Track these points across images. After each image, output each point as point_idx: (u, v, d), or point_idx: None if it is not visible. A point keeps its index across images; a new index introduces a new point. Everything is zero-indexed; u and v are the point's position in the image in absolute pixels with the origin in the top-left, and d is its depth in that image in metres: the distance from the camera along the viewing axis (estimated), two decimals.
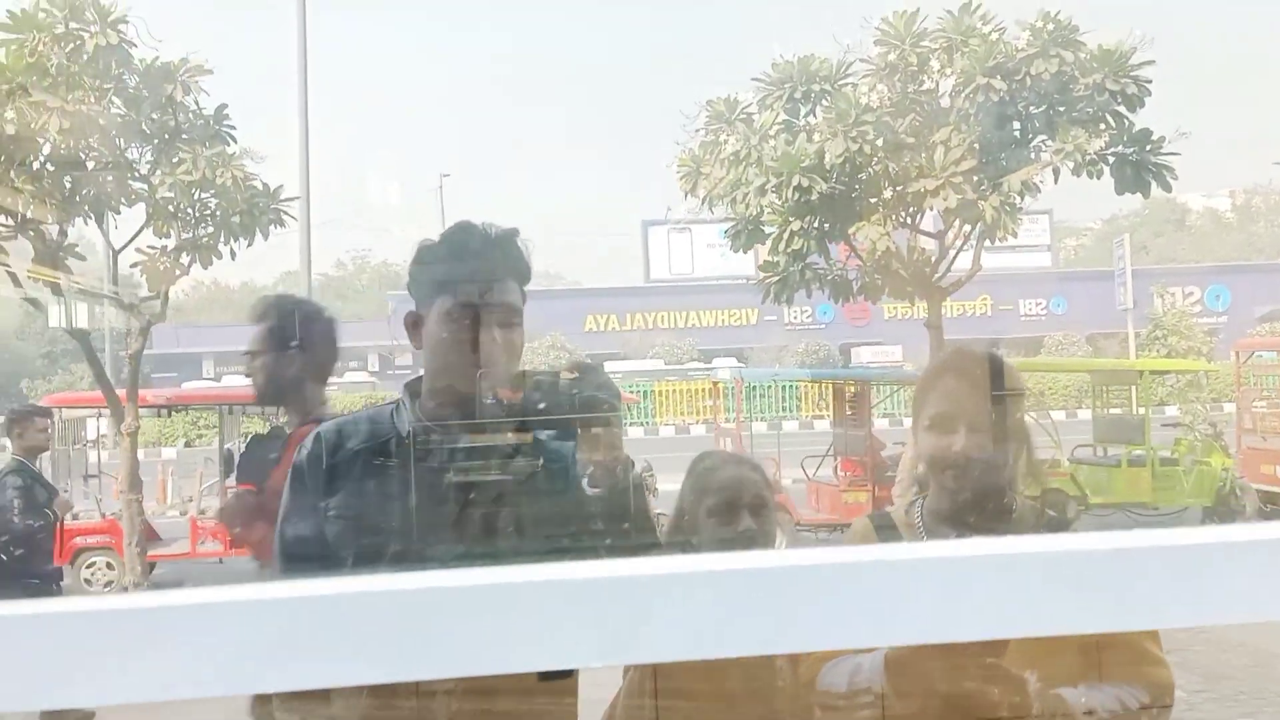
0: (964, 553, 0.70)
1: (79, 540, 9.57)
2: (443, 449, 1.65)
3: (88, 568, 9.57)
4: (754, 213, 8.52)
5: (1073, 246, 44.68)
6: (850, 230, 8.36)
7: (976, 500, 1.70)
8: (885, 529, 1.81)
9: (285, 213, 8.35)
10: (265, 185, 8.12)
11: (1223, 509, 10.16)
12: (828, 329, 29.31)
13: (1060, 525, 1.86)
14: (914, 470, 1.79)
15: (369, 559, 1.59)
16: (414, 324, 1.68)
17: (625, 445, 1.58)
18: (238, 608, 0.63)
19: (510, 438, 1.65)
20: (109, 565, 9.48)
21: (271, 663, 0.63)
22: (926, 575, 0.71)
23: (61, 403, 10.46)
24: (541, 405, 1.52)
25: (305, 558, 1.68)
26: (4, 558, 5.21)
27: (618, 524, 1.54)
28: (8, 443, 5.75)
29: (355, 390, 25.06)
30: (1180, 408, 15.03)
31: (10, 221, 8.01)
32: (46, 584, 5.46)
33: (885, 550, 0.73)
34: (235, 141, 7.91)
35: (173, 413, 12.87)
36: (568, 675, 1.47)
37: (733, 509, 1.79)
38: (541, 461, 1.65)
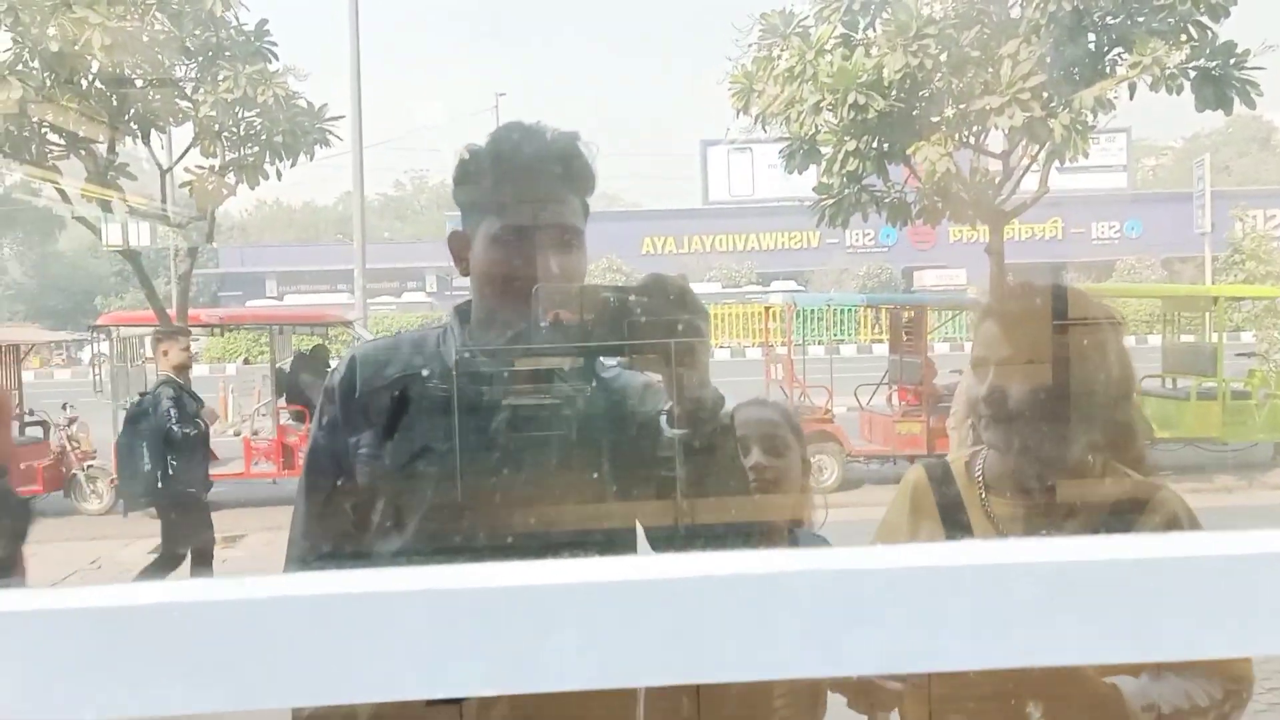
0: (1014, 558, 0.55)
1: None
2: (492, 383, 1.42)
3: None
4: (809, 132, 8.20)
5: (1150, 167, 43.05)
6: (909, 150, 8.00)
7: (1042, 464, 1.48)
8: (942, 483, 1.60)
9: (331, 132, 8.23)
10: (309, 104, 8.00)
11: None
12: (890, 252, 28.73)
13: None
14: (968, 404, 1.58)
15: (401, 519, 1.41)
16: (460, 245, 1.46)
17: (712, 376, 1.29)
18: (236, 609, 0.54)
19: (570, 367, 1.43)
20: None
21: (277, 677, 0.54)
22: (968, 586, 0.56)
23: (116, 321, 10.61)
24: (610, 329, 1.24)
25: (329, 507, 1.49)
26: (169, 465, 5.72)
27: (702, 475, 1.28)
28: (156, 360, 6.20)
29: (412, 310, 25.28)
30: (1256, 335, 14.50)
31: (61, 140, 8.02)
32: (201, 490, 5.89)
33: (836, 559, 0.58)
34: (277, 59, 7.79)
35: (226, 331, 13.02)
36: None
37: (745, 447, 1.70)
38: (609, 396, 1.43)
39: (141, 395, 6.17)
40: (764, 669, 0.55)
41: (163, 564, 5.90)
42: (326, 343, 11.21)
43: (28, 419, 10.68)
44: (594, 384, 1.45)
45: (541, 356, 1.37)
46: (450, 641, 0.54)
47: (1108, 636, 0.54)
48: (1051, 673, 1.24)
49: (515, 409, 1.42)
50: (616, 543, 1.41)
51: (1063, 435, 1.48)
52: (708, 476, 1.28)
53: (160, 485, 5.75)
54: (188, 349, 6.10)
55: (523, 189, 1.40)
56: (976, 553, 0.57)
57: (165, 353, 5.97)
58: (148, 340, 11.04)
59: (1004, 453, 1.51)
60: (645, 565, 0.56)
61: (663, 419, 1.27)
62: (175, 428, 5.67)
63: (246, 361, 20.47)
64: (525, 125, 1.44)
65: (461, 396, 1.41)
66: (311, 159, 8.08)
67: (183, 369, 5.98)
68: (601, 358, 1.41)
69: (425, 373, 1.44)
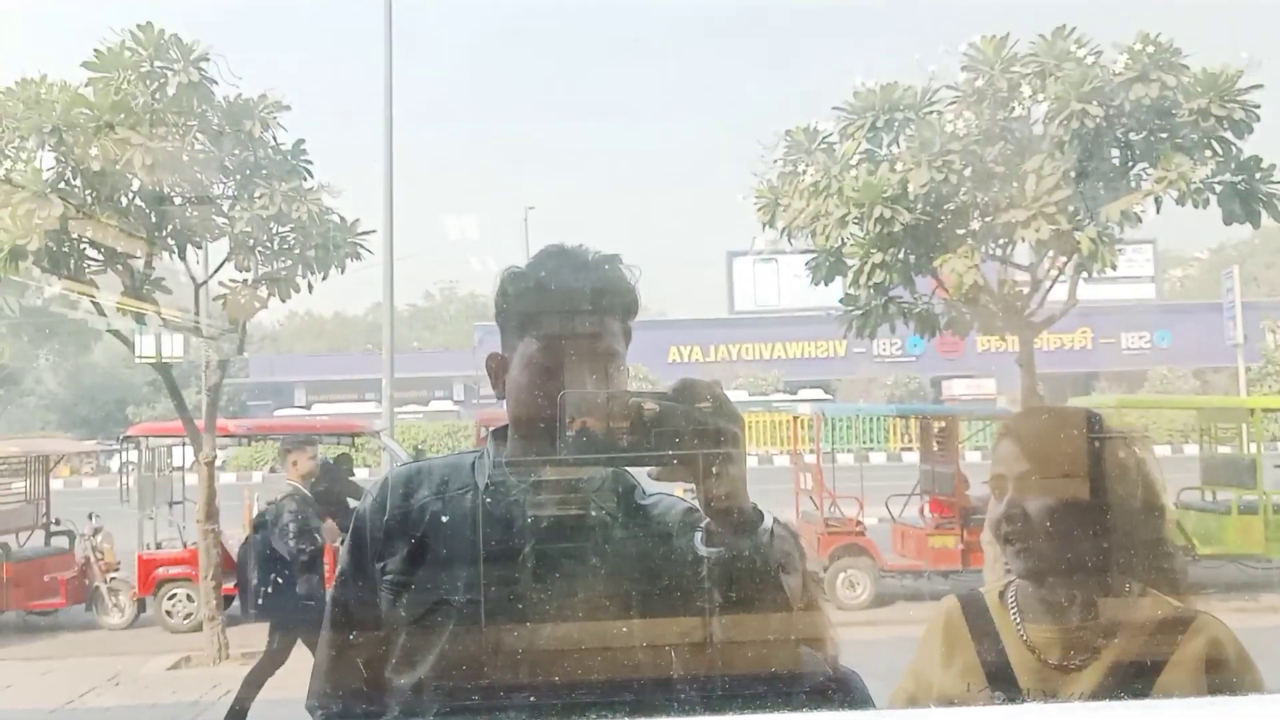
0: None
1: (160, 571, 9.69)
2: (523, 512, 1.35)
3: (169, 599, 9.68)
4: (835, 244, 8.25)
5: (1178, 277, 43.03)
6: (936, 263, 8.02)
7: (1075, 588, 1.48)
8: (977, 615, 1.58)
9: (362, 246, 8.36)
10: (342, 219, 8.15)
11: None
12: (918, 361, 28.66)
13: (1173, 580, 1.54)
14: (989, 523, 1.55)
15: (425, 631, 1.35)
16: (497, 367, 1.41)
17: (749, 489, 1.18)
18: None
19: (605, 487, 1.37)
20: (189, 597, 9.57)
21: None
22: None
23: (146, 432, 10.68)
24: (642, 436, 1.13)
25: (357, 629, 1.44)
26: (280, 579, 5.79)
27: (740, 597, 1.16)
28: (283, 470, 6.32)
29: (438, 419, 25.34)
30: None
31: (99, 255, 8.18)
32: (319, 606, 5.88)
33: None
34: (312, 176, 7.98)
35: (253, 441, 13.07)
36: None
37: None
38: (648, 523, 1.35)
39: (268, 504, 6.30)
40: None
41: (266, 666, 5.95)
42: (352, 451, 11.21)
43: (54, 529, 10.69)
44: (632, 508, 1.38)
45: (573, 469, 1.28)
46: None
47: None
48: None
49: (546, 534, 1.35)
50: (645, 701, 1.30)
51: (1093, 557, 1.45)
52: (742, 601, 1.16)
53: (273, 596, 5.78)
54: (315, 457, 6.25)
55: (562, 312, 1.36)
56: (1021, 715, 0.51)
57: (294, 463, 6.09)
58: (174, 449, 11.11)
59: (1035, 581, 1.49)
60: None
61: (698, 537, 1.18)
62: (293, 543, 5.72)
63: (272, 470, 20.48)
64: (566, 248, 1.41)
65: (492, 522, 1.35)
66: (343, 272, 8.19)
67: (309, 477, 6.13)
68: (641, 484, 1.35)
69: (458, 495, 1.39)
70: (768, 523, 1.17)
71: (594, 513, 1.37)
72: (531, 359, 1.35)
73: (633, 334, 1.44)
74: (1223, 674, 1.37)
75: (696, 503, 1.22)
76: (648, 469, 1.23)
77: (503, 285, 1.42)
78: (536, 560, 1.33)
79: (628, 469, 1.37)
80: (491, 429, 1.48)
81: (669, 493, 1.39)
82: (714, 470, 1.13)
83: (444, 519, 1.38)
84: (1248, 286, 31.62)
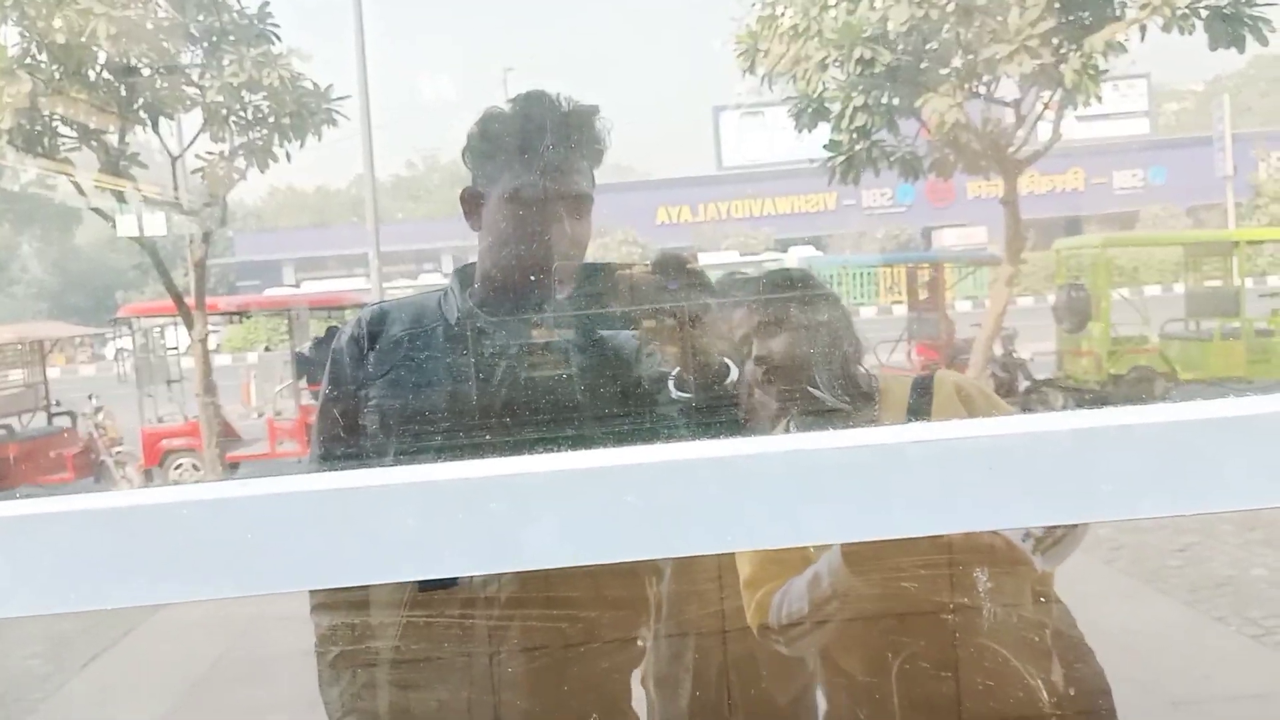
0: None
1: (164, 443, 9.91)
2: (492, 340, 1.48)
3: (175, 469, 9.93)
4: (816, 89, 8.14)
5: (1173, 111, 42.36)
6: (918, 103, 7.93)
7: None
8: None
9: (338, 112, 8.25)
10: (315, 84, 8.02)
11: None
12: (909, 212, 28.48)
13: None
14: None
15: (405, 453, 1.48)
16: (472, 201, 1.51)
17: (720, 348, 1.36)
18: (266, 502, 0.59)
19: (571, 332, 1.48)
20: (195, 466, 9.81)
21: (302, 561, 0.59)
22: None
23: (137, 312, 10.73)
24: (616, 300, 1.34)
25: (340, 448, 1.56)
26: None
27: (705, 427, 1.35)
28: None
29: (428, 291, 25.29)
30: None
31: (73, 132, 8.07)
32: None
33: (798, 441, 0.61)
34: (280, 40, 7.80)
35: (244, 318, 13.15)
36: (450, 584, 1.34)
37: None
38: (607, 358, 1.48)
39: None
40: (731, 542, 0.58)
41: None
42: (339, 325, 11.29)
43: (55, 410, 10.87)
44: (592, 340, 1.50)
45: (542, 323, 1.45)
46: (441, 529, 0.57)
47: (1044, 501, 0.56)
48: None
49: (515, 366, 1.47)
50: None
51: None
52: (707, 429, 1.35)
53: None
54: None
55: (540, 154, 1.44)
56: (922, 432, 0.58)
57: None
58: (167, 330, 11.20)
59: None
60: (620, 454, 0.59)
61: (670, 382, 1.33)
62: None
63: (268, 348, 20.66)
64: (546, 94, 1.48)
65: (464, 350, 1.48)
66: (320, 140, 8.09)
67: None
68: (601, 326, 1.47)
69: (430, 330, 1.51)
70: (734, 374, 1.34)
71: (558, 344, 1.49)
72: (504, 198, 1.44)
73: (597, 182, 1.53)
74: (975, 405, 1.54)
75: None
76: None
77: (483, 121, 1.50)
78: (509, 388, 1.45)
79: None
80: (455, 269, 1.58)
81: (617, 330, 1.51)
82: (687, 331, 1.31)
83: (417, 351, 1.50)
84: (1242, 116, 31.18)
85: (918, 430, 0.60)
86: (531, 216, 1.42)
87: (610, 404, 1.44)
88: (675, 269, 1.33)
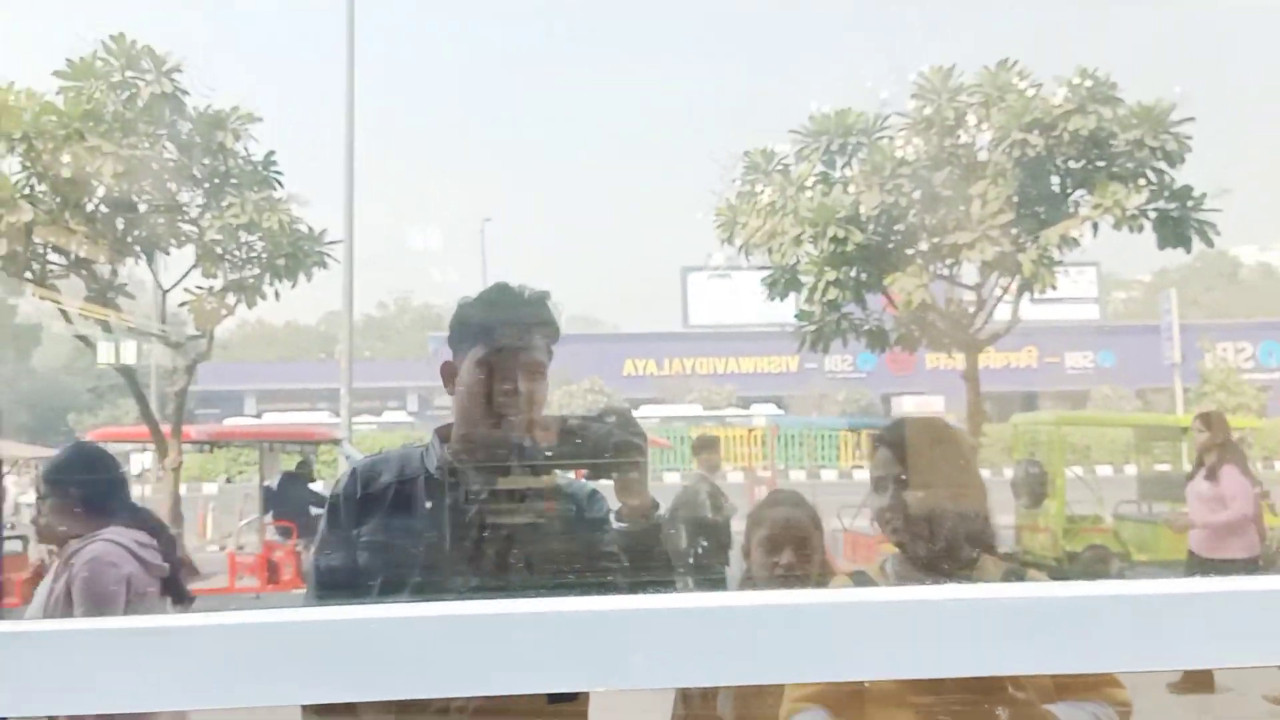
0: (925, 597, 0.74)
1: None
2: (469, 487, 1.75)
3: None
4: (790, 262, 8.57)
5: (1121, 299, 44.05)
6: (886, 281, 8.36)
7: (934, 555, 1.83)
8: (862, 584, 1.92)
9: (329, 255, 8.54)
10: (310, 229, 8.32)
11: (1270, 565, 9.91)
12: (869, 378, 29.06)
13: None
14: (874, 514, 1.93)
15: (396, 587, 1.67)
16: (450, 372, 1.80)
17: (652, 487, 1.65)
18: (275, 628, 0.73)
19: (534, 479, 1.75)
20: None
21: (304, 679, 0.73)
22: (893, 616, 0.75)
23: (105, 437, 10.67)
24: (567, 449, 1.61)
25: (337, 584, 1.77)
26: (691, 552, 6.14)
27: (642, 560, 1.63)
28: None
29: (393, 430, 25.24)
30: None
31: (64, 260, 8.25)
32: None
33: (855, 594, 0.77)
34: (282, 186, 8.13)
35: (215, 449, 13.09)
36: (574, 699, 1.51)
37: (776, 543, 2.14)
38: (563, 501, 1.76)
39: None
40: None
41: None
42: (314, 458, 11.29)
43: (7, 534, 10.63)
44: (554, 489, 1.79)
45: (510, 471, 1.74)
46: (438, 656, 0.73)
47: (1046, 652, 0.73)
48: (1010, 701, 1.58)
49: (489, 509, 1.75)
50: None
51: (944, 529, 1.82)
52: (644, 562, 1.65)
53: None
54: (719, 451, 7.17)
55: (504, 331, 1.77)
56: (967, 591, 0.76)
57: (707, 457, 7.04)
58: (131, 456, 11.11)
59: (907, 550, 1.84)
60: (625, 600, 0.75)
61: (612, 516, 1.64)
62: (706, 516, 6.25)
63: (229, 480, 20.38)
64: (509, 285, 1.86)
65: (444, 498, 1.76)
66: (310, 280, 8.34)
67: (714, 468, 6.95)
68: (559, 472, 1.76)
69: (413, 478, 1.78)
70: (662, 509, 1.64)
71: (523, 490, 1.79)
72: (477, 361, 1.75)
73: (555, 352, 1.86)
74: None
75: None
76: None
77: (459, 309, 1.85)
78: (484, 525, 1.74)
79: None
80: (437, 429, 1.84)
81: (574, 479, 1.82)
82: (624, 471, 1.61)
83: (406, 496, 1.77)
84: (1188, 309, 32.52)
85: (948, 590, 0.77)
86: (495, 382, 1.72)
87: (563, 541, 1.75)
88: (617, 420, 1.63)
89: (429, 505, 1.76)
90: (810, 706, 1.79)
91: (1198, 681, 4.93)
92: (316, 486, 10.57)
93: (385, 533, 1.75)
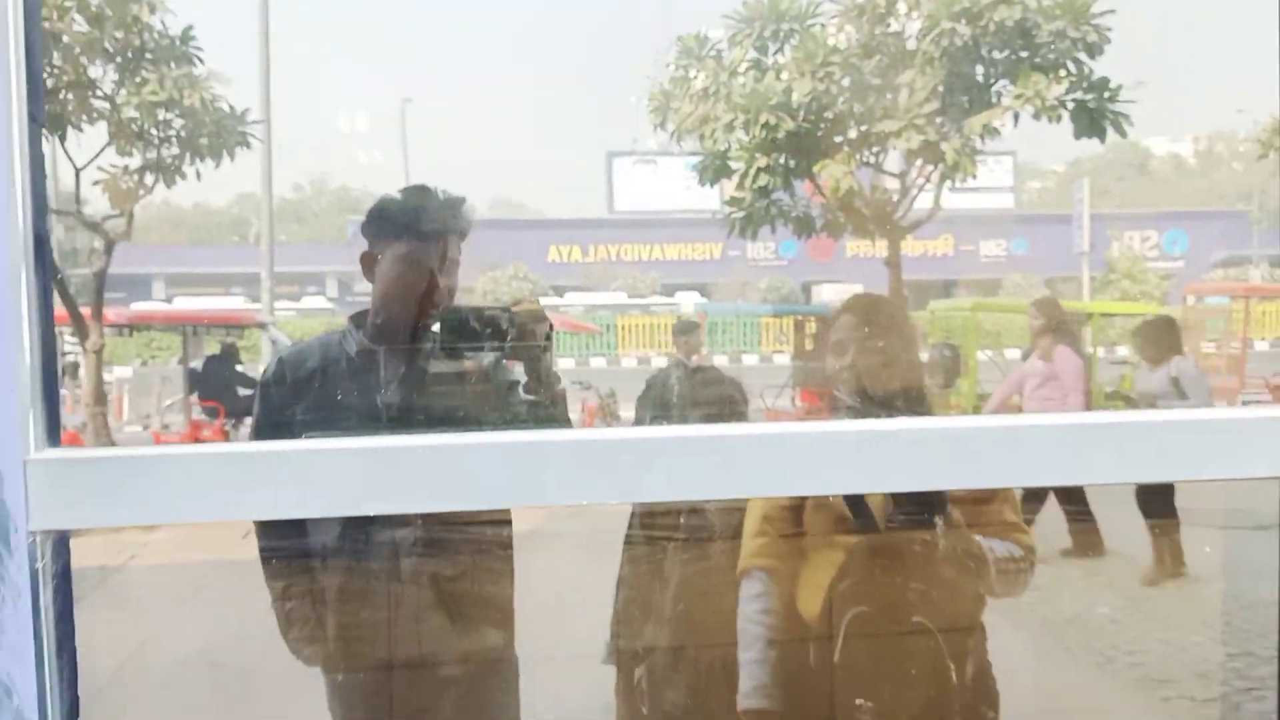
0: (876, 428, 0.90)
1: None
2: (385, 367, 1.98)
3: None
4: (721, 148, 8.64)
5: (1036, 189, 44.89)
6: (815, 169, 8.51)
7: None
8: None
9: (251, 135, 8.35)
10: (232, 108, 8.11)
11: None
12: (790, 266, 29.43)
13: None
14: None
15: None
16: (369, 261, 2.00)
17: (581, 372, 1.96)
18: (329, 454, 0.87)
19: (446, 361, 1.99)
20: None
21: (362, 493, 0.87)
22: (845, 441, 0.93)
23: None
24: (476, 334, 1.85)
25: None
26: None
27: (543, 420, 1.92)
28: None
29: (313, 315, 24.92)
30: (1132, 349, 15.49)
31: None
32: None
33: (834, 425, 0.93)
34: (202, 63, 7.88)
35: (133, 332, 12.90)
36: None
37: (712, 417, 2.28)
38: (475, 368, 1.99)
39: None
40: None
41: None
42: (238, 343, 11.21)
43: None
44: (465, 370, 2.01)
45: (420, 353, 1.98)
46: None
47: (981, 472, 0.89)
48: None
49: (405, 384, 1.99)
50: None
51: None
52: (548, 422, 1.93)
53: None
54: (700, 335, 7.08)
55: (421, 229, 1.98)
56: (913, 422, 0.92)
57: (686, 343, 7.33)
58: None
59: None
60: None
61: (520, 387, 1.89)
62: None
63: (144, 364, 20.02)
64: (428, 188, 2.07)
65: (366, 379, 2.00)
66: (233, 160, 8.17)
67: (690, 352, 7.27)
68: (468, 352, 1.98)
69: (335, 361, 2.02)
70: (563, 384, 1.93)
71: (434, 366, 2.03)
72: (396, 258, 1.96)
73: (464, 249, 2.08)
74: None
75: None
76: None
77: (380, 204, 2.05)
78: (396, 393, 1.99)
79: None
80: (351, 315, 2.05)
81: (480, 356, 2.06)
82: (532, 351, 1.86)
83: (329, 377, 2.00)
84: (1100, 199, 33.34)
85: (877, 423, 0.93)
86: (411, 273, 1.94)
87: (476, 406, 2.01)
88: (521, 310, 1.86)
89: (352, 385, 1.98)
90: (755, 568, 2.03)
91: (1090, 547, 5.42)
92: (241, 369, 10.54)
93: (315, 410, 1.98)
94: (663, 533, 2.36)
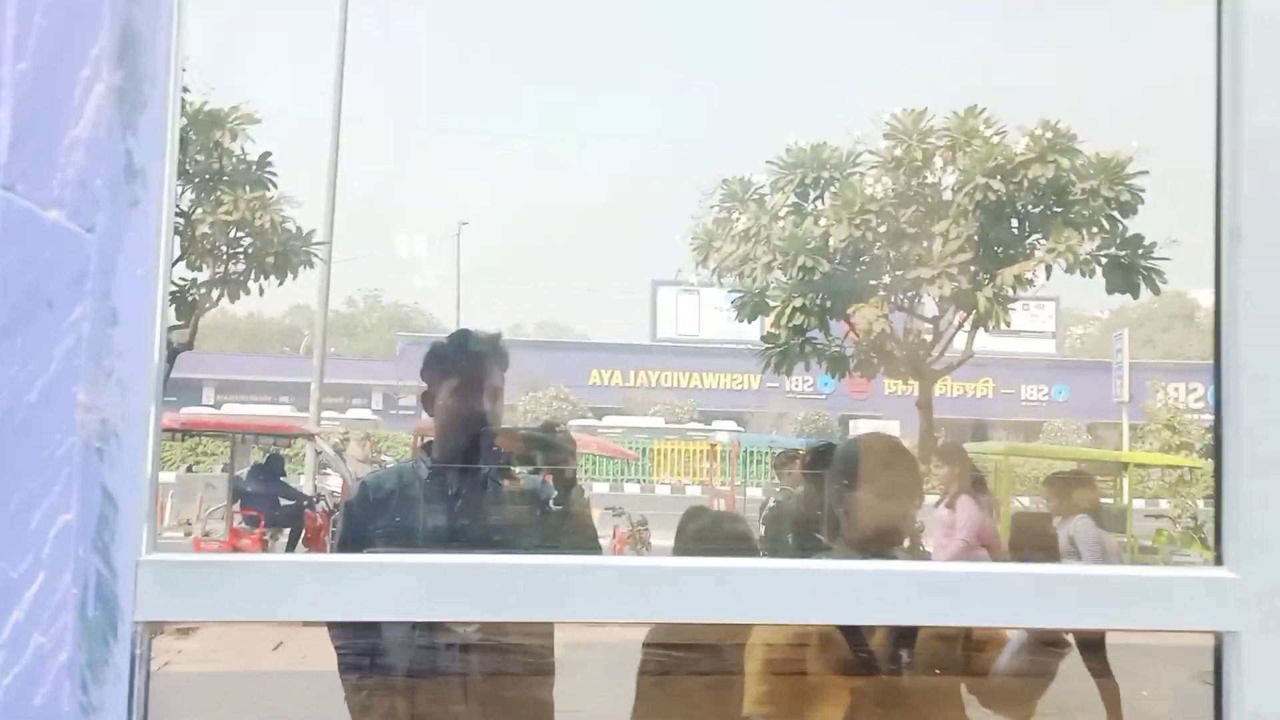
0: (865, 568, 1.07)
1: None
2: (453, 484, 2.29)
3: None
4: (760, 287, 8.94)
5: (1078, 335, 44.77)
6: (850, 310, 8.76)
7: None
8: None
9: (316, 255, 8.78)
10: (299, 228, 8.56)
11: None
12: (828, 400, 29.44)
13: None
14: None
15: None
16: (428, 399, 2.33)
17: (614, 498, 2.21)
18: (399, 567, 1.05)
19: (499, 477, 2.33)
20: None
21: (420, 602, 1.03)
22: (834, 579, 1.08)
23: None
24: (519, 452, 2.26)
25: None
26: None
27: (568, 527, 2.24)
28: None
29: (357, 427, 25.21)
30: (1172, 502, 15.25)
31: None
32: None
33: (810, 564, 1.11)
34: (276, 186, 8.37)
35: (185, 437, 13.21)
36: None
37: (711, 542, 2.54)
38: (521, 487, 2.32)
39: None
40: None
41: None
42: (283, 453, 11.46)
43: None
44: (513, 481, 2.34)
45: (480, 471, 2.30)
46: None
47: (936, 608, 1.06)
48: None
49: (468, 498, 2.31)
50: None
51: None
52: (568, 526, 2.24)
53: None
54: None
55: (469, 365, 2.29)
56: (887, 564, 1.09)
57: (788, 472, 6.91)
58: None
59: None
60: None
61: (551, 499, 2.24)
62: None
63: (189, 469, 20.35)
64: (470, 330, 2.40)
65: (434, 497, 2.30)
66: (296, 278, 8.58)
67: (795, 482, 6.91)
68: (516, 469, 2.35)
69: (410, 484, 2.32)
70: (587, 494, 2.30)
71: (490, 485, 2.35)
72: (450, 392, 2.27)
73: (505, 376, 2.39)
74: None
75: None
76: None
77: (432, 350, 2.37)
78: (464, 512, 2.29)
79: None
80: (421, 443, 2.37)
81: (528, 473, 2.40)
82: (558, 468, 2.25)
83: (406, 499, 2.30)
84: (1143, 349, 33.19)
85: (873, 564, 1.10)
86: (462, 406, 2.24)
87: (523, 514, 2.31)
88: (549, 430, 2.26)
89: (423, 503, 2.29)
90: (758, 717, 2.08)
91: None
92: (285, 479, 10.76)
93: (392, 524, 2.29)
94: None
